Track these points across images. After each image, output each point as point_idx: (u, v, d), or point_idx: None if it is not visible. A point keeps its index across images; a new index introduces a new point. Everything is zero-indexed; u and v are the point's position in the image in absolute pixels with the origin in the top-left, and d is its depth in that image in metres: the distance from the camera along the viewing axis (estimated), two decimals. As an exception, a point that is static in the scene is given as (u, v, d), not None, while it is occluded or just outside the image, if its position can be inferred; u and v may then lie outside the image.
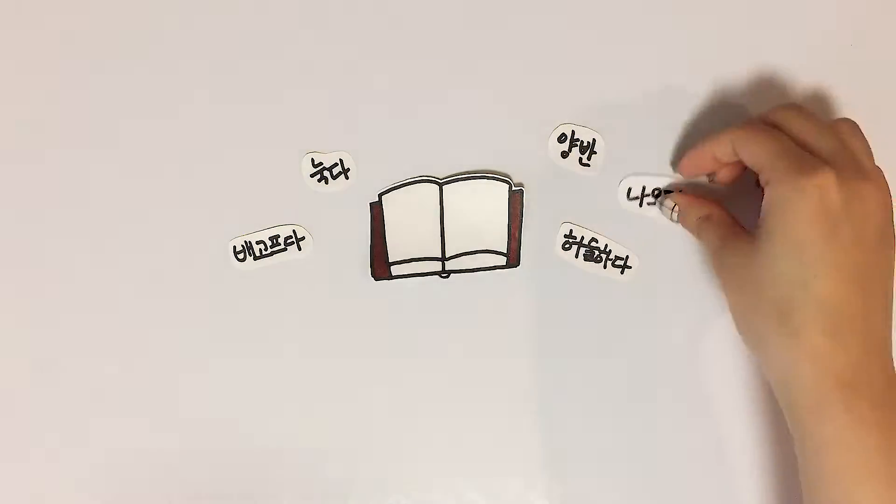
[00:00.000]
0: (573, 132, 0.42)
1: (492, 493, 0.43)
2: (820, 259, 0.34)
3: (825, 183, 0.34)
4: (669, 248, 0.43)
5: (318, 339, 0.43)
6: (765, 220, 0.36)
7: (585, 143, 0.42)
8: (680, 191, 0.42)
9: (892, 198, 0.36)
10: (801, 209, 0.34)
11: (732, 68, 0.43)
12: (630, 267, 0.43)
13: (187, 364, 0.43)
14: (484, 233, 0.43)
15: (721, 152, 0.39)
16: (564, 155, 0.43)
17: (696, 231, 0.41)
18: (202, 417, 0.43)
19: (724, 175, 0.41)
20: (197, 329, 0.43)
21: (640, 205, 0.43)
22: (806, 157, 0.35)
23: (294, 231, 0.43)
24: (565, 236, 0.43)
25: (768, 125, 0.38)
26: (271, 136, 0.42)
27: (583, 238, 0.43)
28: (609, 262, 0.43)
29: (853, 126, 0.38)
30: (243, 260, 0.43)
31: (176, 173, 0.42)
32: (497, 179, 0.42)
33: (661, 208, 0.42)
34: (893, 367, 0.35)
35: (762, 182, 0.36)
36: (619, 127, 0.43)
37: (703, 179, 0.43)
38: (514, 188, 0.42)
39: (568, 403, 0.44)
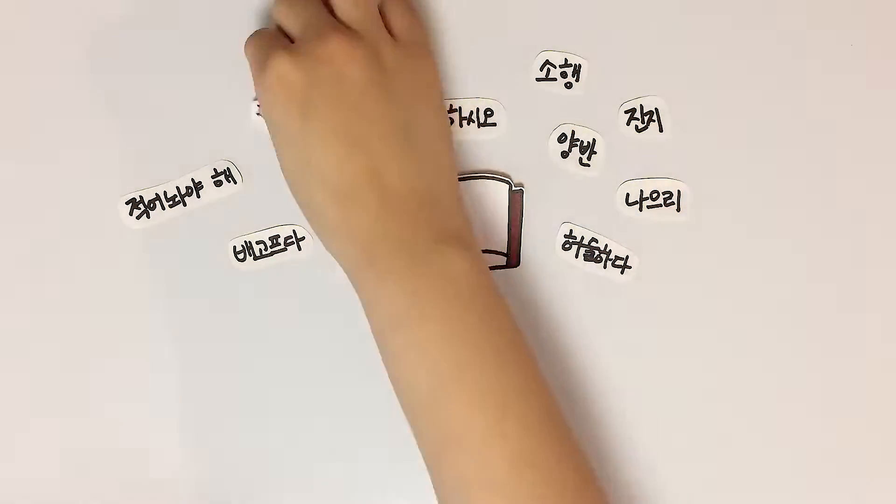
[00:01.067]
0: (573, 132, 0.42)
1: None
2: (304, 139, 0.34)
3: (280, 68, 0.34)
4: (669, 248, 0.43)
5: (318, 339, 0.43)
6: None
7: (585, 143, 0.42)
8: None
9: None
10: (271, 103, 0.35)
11: (732, 68, 0.43)
12: (630, 267, 0.43)
13: (187, 364, 0.43)
14: (484, 233, 0.43)
15: None
16: (564, 155, 0.43)
17: None
18: (203, 417, 0.43)
19: None
20: (197, 328, 0.43)
21: (640, 209, 0.43)
22: (266, 47, 0.35)
23: (294, 231, 0.43)
24: (565, 236, 0.43)
25: None
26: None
27: (583, 238, 0.43)
28: (609, 262, 0.43)
29: None
30: (243, 260, 0.43)
31: (175, 172, 0.42)
32: (497, 179, 0.42)
33: None
34: (422, 214, 0.35)
35: None
36: (619, 124, 0.43)
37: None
38: (514, 188, 0.42)
39: (568, 403, 0.43)
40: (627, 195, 0.43)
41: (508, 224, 0.43)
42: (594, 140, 0.42)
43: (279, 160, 0.36)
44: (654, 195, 0.43)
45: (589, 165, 0.43)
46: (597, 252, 0.43)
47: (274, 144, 0.36)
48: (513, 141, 0.43)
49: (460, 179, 0.42)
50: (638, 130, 0.43)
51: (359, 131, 0.34)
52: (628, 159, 0.43)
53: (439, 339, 0.34)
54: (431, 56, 0.39)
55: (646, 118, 0.42)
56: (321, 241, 0.37)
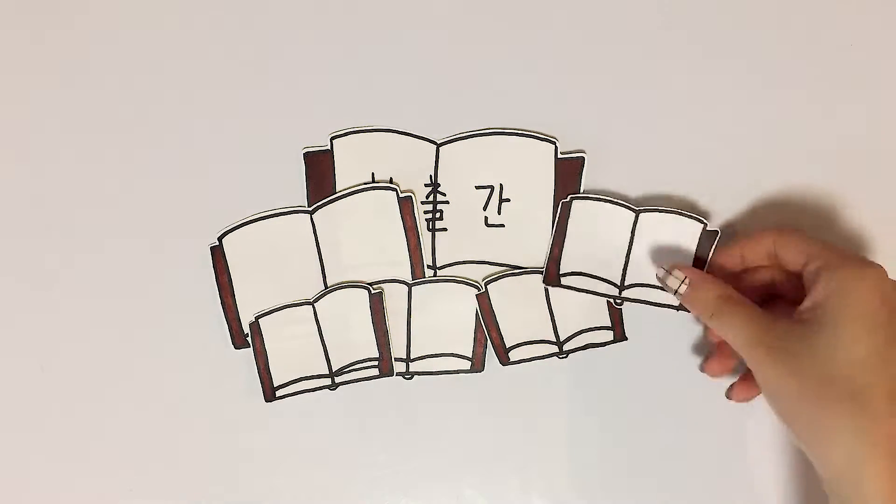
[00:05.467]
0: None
1: (492, 493, 0.44)
2: (891, 342, 0.33)
3: (883, 274, 0.35)
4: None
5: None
6: (828, 304, 0.34)
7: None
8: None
9: None
10: (870, 294, 0.34)
11: (731, 68, 0.43)
12: None
13: (187, 363, 0.43)
14: (450, 335, 0.43)
15: (752, 252, 0.39)
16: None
17: (713, 310, 0.37)
18: (203, 417, 0.43)
19: (738, 391, 0.41)
20: (194, 327, 0.43)
21: None
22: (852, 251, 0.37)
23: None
24: None
25: None
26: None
27: None
28: None
29: None
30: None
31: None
32: (468, 284, 0.43)
33: (665, 281, 0.40)
34: None
35: (811, 271, 0.36)
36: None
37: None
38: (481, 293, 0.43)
39: (567, 403, 0.44)
40: None
41: (475, 329, 0.43)
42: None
43: (828, 339, 0.34)
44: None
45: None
46: None
47: (841, 326, 0.34)
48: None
49: (430, 282, 0.43)
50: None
51: None
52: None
53: None
54: None
55: None
56: (835, 450, 0.33)
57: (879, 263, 0.35)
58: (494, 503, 0.43)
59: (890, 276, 0.35)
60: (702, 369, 0.42)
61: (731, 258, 0.40)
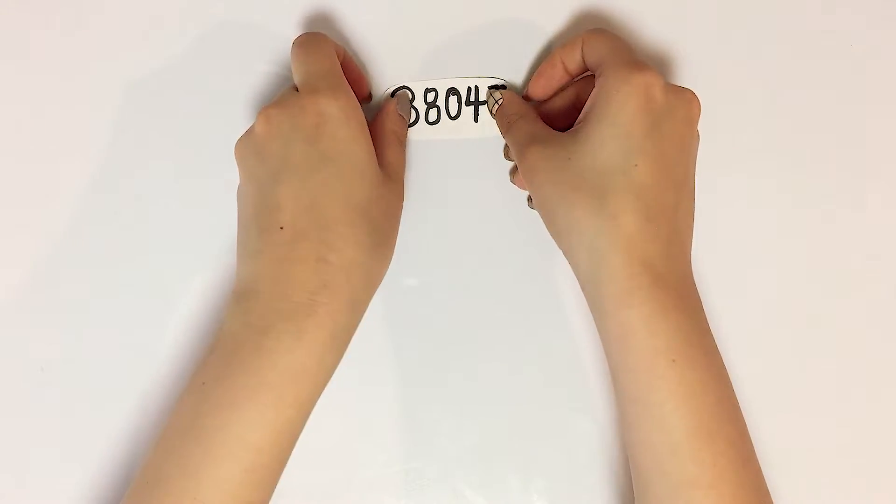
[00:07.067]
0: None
1: (492, 493, 0.44)
2: (641, 148, 0.34)
3: (652, 81, 0.35)
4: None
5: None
6: (592, 108, 0.36)
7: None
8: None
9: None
10: (629, 100, 0.35)
11: (731, 67, 0.43)
12: None
13: (187, 362, 0.43)
14: None
15: (570, 59, 0.40)
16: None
17: (508, 126, 0.40)
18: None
19: (520, 181, 0.43)
20: (189, 323, 0.43)
21: None
22: (637, 58, 0.36)
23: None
24: None
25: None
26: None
27: None
28: None
29: None
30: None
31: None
32: None
33: (487, 100, 0.43)
34: (690, 262, 0.36)
35: (596, 77, 0.37)
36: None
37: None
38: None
39: (567, 403, 0.44)
40: None
41: None
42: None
43: (583, 143, 0.36)
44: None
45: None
46: None
47: (597, 129, 0.35)
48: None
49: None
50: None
51: (679, 170, 0.36)
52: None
53: (707, 380, 0.34)
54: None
55: None
56: (581, 244, 0.35)
57: (653, 68, 0.35)
58: (494, 503, 0.43)
59: (667, 84, 0.35)
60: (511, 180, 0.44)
61: (553, 68, 0.41)
